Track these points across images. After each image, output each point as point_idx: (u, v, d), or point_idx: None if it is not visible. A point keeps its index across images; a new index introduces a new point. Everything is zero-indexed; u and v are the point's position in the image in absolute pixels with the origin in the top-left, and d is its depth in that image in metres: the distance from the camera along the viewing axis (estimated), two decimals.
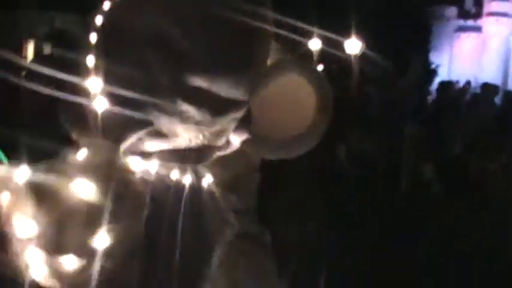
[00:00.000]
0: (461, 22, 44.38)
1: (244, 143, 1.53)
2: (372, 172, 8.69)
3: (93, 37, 1.39)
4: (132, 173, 1.43)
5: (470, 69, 37.34)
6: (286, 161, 1.69)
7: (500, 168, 8.56)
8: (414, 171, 9.18)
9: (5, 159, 1.43)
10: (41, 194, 1.29)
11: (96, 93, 1.34)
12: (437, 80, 21.97)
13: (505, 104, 13.15)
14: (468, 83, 19.30)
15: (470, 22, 44.01)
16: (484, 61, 41.15)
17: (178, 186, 1.54)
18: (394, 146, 9.54)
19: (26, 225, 1.28)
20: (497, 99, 11.98)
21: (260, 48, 1.47)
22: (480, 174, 9.16)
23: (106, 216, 1.29)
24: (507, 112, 11.07)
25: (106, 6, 1.41)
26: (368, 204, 8.18)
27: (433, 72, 26.37)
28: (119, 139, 1.39)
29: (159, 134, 1.42)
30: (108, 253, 1.32)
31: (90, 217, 1.29)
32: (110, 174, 1.33)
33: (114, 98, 1.34)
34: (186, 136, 1.43)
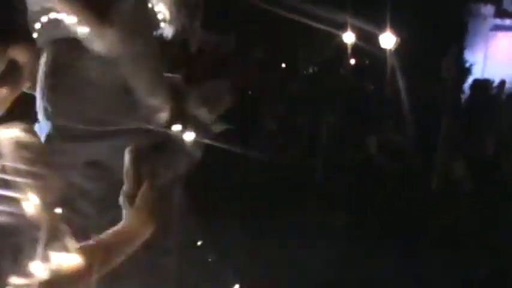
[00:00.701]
0: (498, 21, 43.70)
1: None
2: (402, 166, 8.71)
3: None
4: None
5: (505, 69, 36.82)
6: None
7: None
8: (446, 168, 9.15)
9: None
10: None
11: None
12: (471, 79, 21.75)
13: None
14: (503, 82, 19.08)
15: (507, 21, 43.31)
16: None
17: None
18: (426, 141, 9.53)
19: None
20: None
21: None
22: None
23: None
24: None
25: None
26: (396, 198, 8.20)
27: (468, 71, 26.09)
28: None
29: None
30: None
31: None
32: None
33: None
34: None
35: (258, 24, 15.03)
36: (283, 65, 17.09)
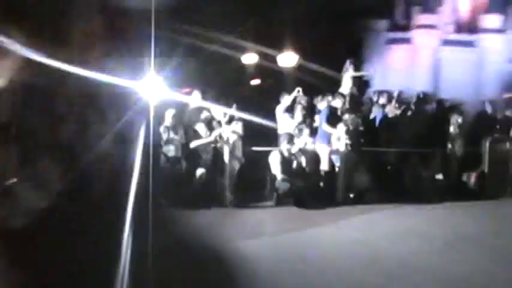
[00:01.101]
0: (392, 34, 45.44)
1: None
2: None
3: None
4: None
5: (402, 80, 38.27)
6: None
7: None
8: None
9: None
10: None
11: None
12: (369, 91, 22.46)
13: (438, 111, 13.56)
14: (400, 92, 19.81)
15: (400, 34, 45.13)
16: (415, 72, 42.26)
17: None
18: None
19: None
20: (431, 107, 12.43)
21: None
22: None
23: None
24: (442, 118, 11.49)
25: None
26: None
27: (366, 84, 27.06)
28: None
29: None
30: None
31: None
32: None
33: None
34: None
35: None
36: None
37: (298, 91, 18.58)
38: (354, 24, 40.39)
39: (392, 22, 45.25)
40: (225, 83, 18.98)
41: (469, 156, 16.31)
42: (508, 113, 18.74)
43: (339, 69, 22.31)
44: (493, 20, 41.41)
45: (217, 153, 15.12)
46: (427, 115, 15.51)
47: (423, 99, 15.51)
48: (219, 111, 15.52)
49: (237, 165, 15.51)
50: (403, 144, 15.65)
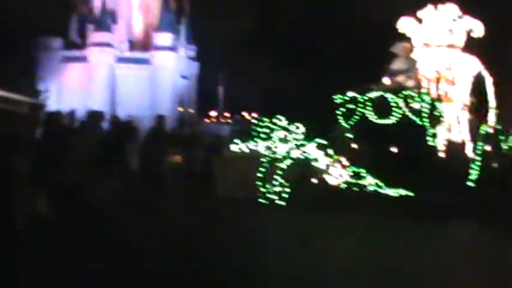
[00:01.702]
0: (68, 53, 44.83)
1: None
2: None
3: None
4: None
5: (78, 98, 37.91)
6: None
7: None
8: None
9: None
10: None
11: None
12: (47, 109, 21.78)
13: (113, 128, 13.66)
14: (73, 111, 19.53)
15: (75, 52, 44.75)
16: (91, 89, 42.27)
17: None
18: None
19: None
20: (105, 125, 12.37)
21: None
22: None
23: None
24: (116, 135, 11.54)
25: None
26: None
27: (43, 102, 26.28)
28: None
29: None
30: None
31: None
32: None
33: None
34: None
35: None
36: None
37: None
38: (27, 42, 39.05)
39: (67, 40, 44.61)
40: None
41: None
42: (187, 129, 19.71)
43: (13, 89, 21.33)
44: (164, 38, 43.41)
45: None
46: (101, 133, 15.57)
47: (95, 117, 15.53)
48: None
49: None
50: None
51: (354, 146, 9.35)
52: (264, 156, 8.77)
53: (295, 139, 8.95)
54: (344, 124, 9.53)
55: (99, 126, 11.04)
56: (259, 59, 35.65)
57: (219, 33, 41.02)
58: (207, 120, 42.04)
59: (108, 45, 42.92)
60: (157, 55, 43.22)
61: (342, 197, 9.22)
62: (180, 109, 40.61)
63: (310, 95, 25.14)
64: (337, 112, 9.58)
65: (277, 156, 8.70)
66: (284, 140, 8.80)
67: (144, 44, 45.89)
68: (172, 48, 44.19)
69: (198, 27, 44.21)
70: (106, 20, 43.29)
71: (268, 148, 8.82)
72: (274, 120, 8.92)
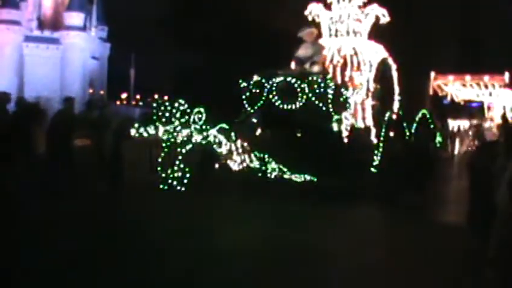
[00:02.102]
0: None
1: None
2: None
3: None
4: None
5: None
6: None
7: None
8: None
9: None
10: None
11: None
12: None
13: (20, 110, 13.09)
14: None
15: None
16: None
17: None
18: None
19: None
20: (11, 106, 11.90)
21: None
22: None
23: None
24: (20, 116, 11.06)
25: None
26: None
27: None
28: None
29: None
30: None
31: None
32: None
33: None
34: None
35: None
36: None
37: None
38: None
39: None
40: None
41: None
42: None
43: None
44: (75, 18, 42.22)
45: None
46: (6, 114, 14.94)
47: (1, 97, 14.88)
48: None
49: None
50: None
51: (259, 131, 9.26)
52: (165, 140, 8.53)
53: (195, 123, 8.72)
54: (249, 109, 9.42)
55: (4, 106, 10.53)
56: (172, 41, 35.24)
57: (131, 13, 40.18)
58: (118, 103, 41.30)
59: (16, 23, 41.41)
60: (68, 35, 42.06)
61: (245, 182, 9.17)
62: (90, 91, 39.69)
63: (217, 79, 25.08)
64: (242, 96, 9.46)
65: (178, 140, 8.47)
66: (184, 124, 8.56)
67: (54, 23, 44.50)
68: (83, 29, 43.14)
69: (110, 7, 43.37)
70: None
71: (168, 132, 8.55)
72: (175, 104, 8.67)
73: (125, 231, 6.46)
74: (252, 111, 9.38)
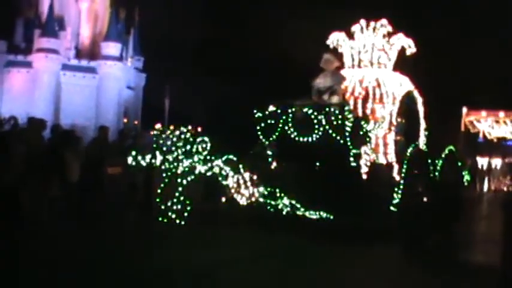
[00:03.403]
0: (11, 57, 43.68)
1: None
2: None
3: None
4: None
5: (21, 105, 36.84)
6: None
7: None
8: None
9: None
10: None
11: None
12: None
13: (55, 137, 12.97)
14: (13, 118, 18.66)
15: (20, 57, 43.61)
16: (35, 96, 41.19)
17: None
18: None
19: None
20: (46, 133, 11.84)
21: None
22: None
23: None
24: (56, 143, 10.97)
25: None
26: None
27: None
28: None
29: None
30: None
31: None
32: None
33: None
34: None
35: None
36: None
37: None
38: None
39: (11, 44, 43.46)
40: None
41: None
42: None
43: None
44: (112, 48, 42.64)
45: None
46: (41, 140, 14.78)
47: (36, 124, 14.73)
48: None
49: None
50: None
51: (274, 164, 8.81)
52: (164, 170, 8.11)
53: (199, 153, 8.28)
54: (263, 140, 8.99)
55: (39, 133, 10.47)
56: (203, 71, 35.23)
57: (167, 45, 40.46)
58: (152, 133, 41.34)
59: (54, 51, 41.97)
60: (104, 64, 42.46)
61: (253, 217, 8.71)
62: (125, 120, 39.83)
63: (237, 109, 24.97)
64: (257, 127, 9.04)
65: (179, 171, 8.04)
66: (187, 154, 8.14)
67: (91, 53, 45.02)
68: (119, 59, 43.50)
69: (147, 38, 43.66)
70: (53, 26, 42.30)
71: (169, 162, 8.13)
72: (177, 132, 8.31)
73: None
74: (267, 142, 8.96)
